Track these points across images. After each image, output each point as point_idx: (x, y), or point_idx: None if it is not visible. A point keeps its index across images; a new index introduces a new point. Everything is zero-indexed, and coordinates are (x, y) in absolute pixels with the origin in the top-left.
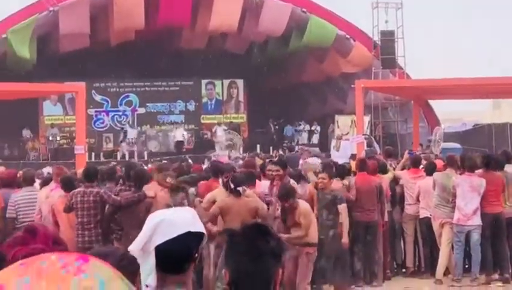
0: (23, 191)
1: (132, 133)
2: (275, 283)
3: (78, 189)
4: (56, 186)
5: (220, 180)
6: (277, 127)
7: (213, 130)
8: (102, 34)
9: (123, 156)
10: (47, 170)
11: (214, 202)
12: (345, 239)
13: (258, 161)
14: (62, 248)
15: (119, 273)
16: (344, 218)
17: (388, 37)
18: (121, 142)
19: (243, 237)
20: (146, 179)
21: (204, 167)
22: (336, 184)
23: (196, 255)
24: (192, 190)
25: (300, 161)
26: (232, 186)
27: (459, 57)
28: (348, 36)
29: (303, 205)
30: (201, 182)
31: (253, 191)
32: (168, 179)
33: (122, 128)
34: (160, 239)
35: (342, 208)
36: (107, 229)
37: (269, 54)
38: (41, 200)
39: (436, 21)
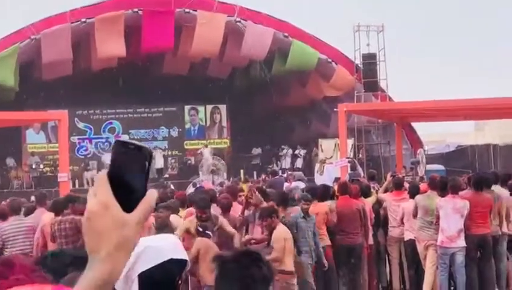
0: (10, 220)
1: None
2: None
3: (57, 217)
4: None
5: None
6: (262, 151)
7: (199, 151)
8: (84, 62)
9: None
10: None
11: (187, 231)
12: None
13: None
14: (40, 274)
15: None
16: None
17: (370, 60)
18: (87, 171)
19: (235, 264)
20: None
21: (188, 192)
22: (321, 207)
23: (179, 282)
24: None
25: (286, 185)
26: (201, 230)
27: (441, 79)
28: (330, 60)
29: (278, 230)
30: (188, 210)
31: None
32: None
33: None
34: (143, 266)
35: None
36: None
37: (252, 78)
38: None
39: (418, 43)
